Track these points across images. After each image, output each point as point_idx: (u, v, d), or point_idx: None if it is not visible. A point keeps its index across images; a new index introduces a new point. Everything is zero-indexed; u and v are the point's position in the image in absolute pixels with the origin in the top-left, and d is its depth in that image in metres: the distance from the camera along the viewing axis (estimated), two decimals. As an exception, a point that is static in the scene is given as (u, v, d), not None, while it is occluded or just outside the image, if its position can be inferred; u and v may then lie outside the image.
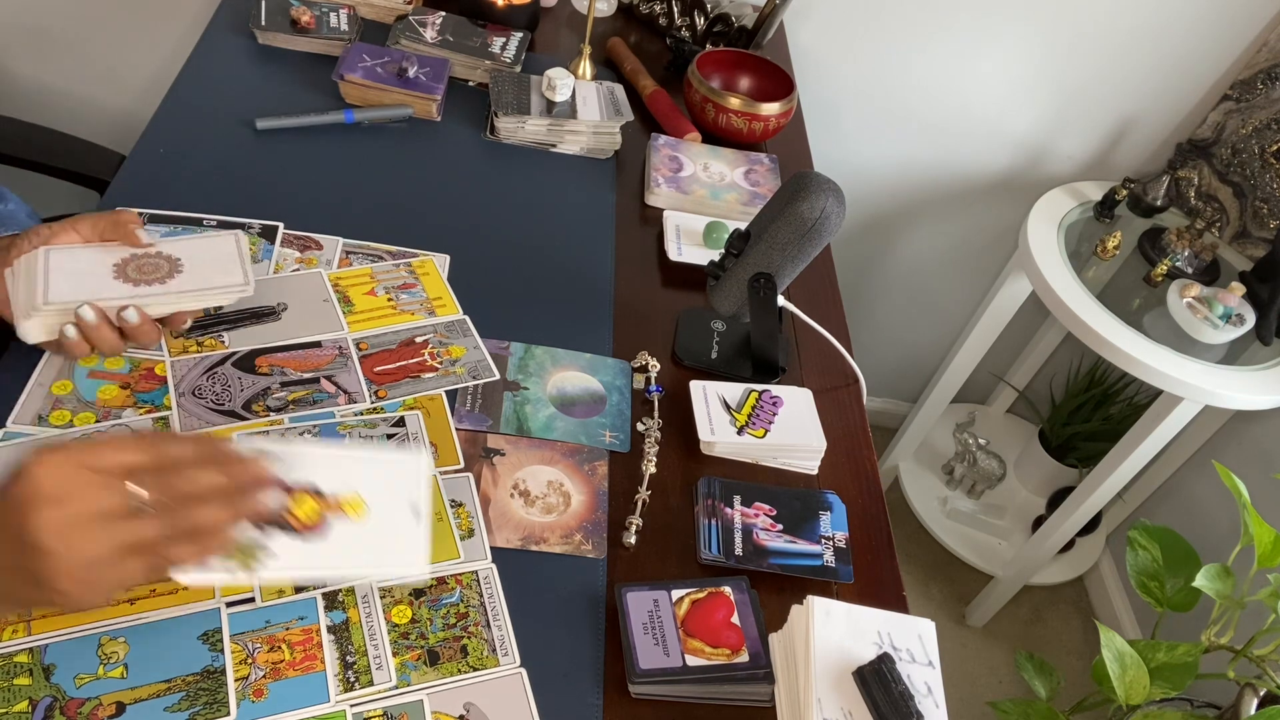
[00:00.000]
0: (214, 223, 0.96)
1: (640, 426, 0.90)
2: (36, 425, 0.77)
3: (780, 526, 0.83)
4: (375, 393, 0.86)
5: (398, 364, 0.89)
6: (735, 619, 0.74)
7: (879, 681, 0.68)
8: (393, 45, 1.25)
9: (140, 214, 0.95)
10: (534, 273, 1.03)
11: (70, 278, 0.76)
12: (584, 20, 1.29)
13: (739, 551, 0.80)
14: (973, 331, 1.78)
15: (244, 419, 0.81)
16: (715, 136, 1.29)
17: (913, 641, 0.72)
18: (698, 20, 1.46)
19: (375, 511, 0.64)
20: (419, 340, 0.92)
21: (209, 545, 0.58)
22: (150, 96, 1.78)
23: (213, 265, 0.83)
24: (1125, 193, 1.62)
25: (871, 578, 0.83)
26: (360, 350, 0.89)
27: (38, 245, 0.78)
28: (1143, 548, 1.37)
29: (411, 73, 1.18)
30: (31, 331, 0.75)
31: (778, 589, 0.80)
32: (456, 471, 0.81)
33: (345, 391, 0.85)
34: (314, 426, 0.82)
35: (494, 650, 0.70)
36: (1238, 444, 1.73)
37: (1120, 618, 1.98)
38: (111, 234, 0.81)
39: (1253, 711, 1.26)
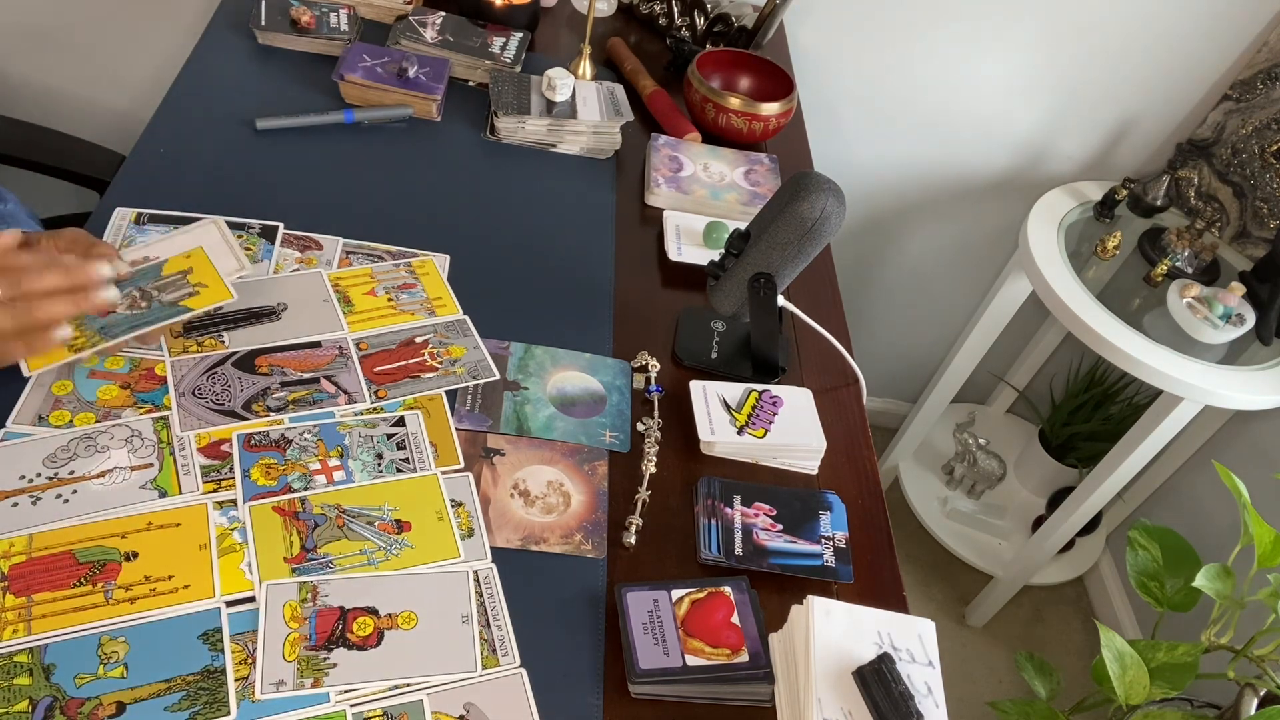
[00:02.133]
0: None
1: (640, 426, 0.90)
2: (36, 425, 0.77)
3: (780, 526, 0.83)
4: (375, 393, 0.86)
5: (398, 364, 0.89)
6: (735, 619, 0.74)
7: (879, 681, 0.68)
8: (393, 45, 1.25)
9: (140, 214, 0.95)
10: (534, 273, 1.03)
11: None
12: (584, 20, 1.29)
13: (739, 551, 0.80)
14: (973, 331, 1.78)
15: (244, 419, 0.81)
16: (715, 136, 1.29)
17: (913, 641, 0.72)
18: (698, 20, 1.46)
19: (426, 621, 0.71)
20: (419, 340, 0.92)
21: (47, 339, 0.72)
22: (150, 96, 1.79)
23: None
24: (1125, 193, 1.62)
25: (871, 578, 0.83)
26: (360, 350, 0.89)
27: None
28: (1143, 548, 1.37)
29: (411, 73, 1.18)
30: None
31: (778, 589, 0.80)
32: (456, 471, 0.81)
33: (345, 391, 0.85)
34: (314, 426, 0.82)
35: (494, 650, 0.70)
36: (1238, 444, 1.73)
37: (1120, 618, 1.98)
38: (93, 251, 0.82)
39: (1253, 711, 1.26)
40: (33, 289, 0.70)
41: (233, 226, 0.96)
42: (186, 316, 0.83)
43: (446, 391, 0.87)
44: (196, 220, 0.95)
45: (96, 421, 0.78)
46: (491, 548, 0.76)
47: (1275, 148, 1.54)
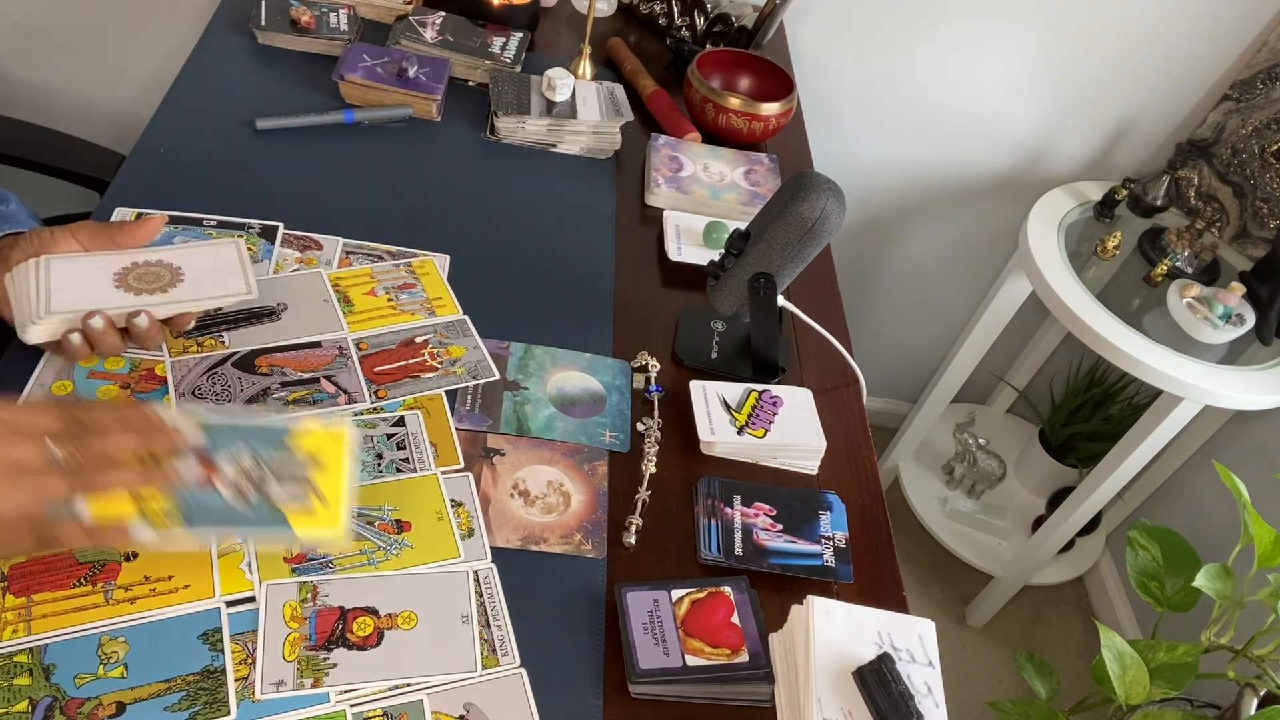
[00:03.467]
0: (214, 223, 0.96)
1: (640, 426, 0.90)
2: (36, 425, 0.77)
3: (780, 526, 0.83)
4: (375, 393, 0.86)
5: (398, 364, 0.89)
6: (735, 619, 0.74)
7: (879, 681, 0.68)
8: (393, 45, 1.25)
9: (140, 214, 0.95)
10: (534, 273, 1.03)
11: (72, 287, 0.77)
12: (584, 20, 1.29)
13: (739, 551, 0.80)
14: (973, 331, 1.78)
15: (244, 419, 0.81)
16: (715, 136, 1.29)
17: (913, 641, 0.72)
18: (698, 20, 1.46)
19: (426, 621, 0.70)
20: (419, 340, 0.92)
21: (118, 533, 0.61)
22: (150, 96, 1.79)
23: (214, 273, 0.83)
24: (1125, 193, 1.62)
25: (871, 578, 0.83)
26: (360, 350, 0.89)
27: (39, 249, 0.78)
28: (1143, 548, 1.37)
29: (411, 73, 1.18)
30: (34, 336, 0.75)
31: (778, 589, 0.80)
32: (456, 471, 0.81)
33: (345, 391, 0.85)
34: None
35: (494, 650, 0.70)
36: (1238, 444, 1.73)
37: (1120, 618, 1.98)
38: (119, 236, 0.81)
39: (1253, 711, 1.26)
40: (102, 454, 0.58)
41: (233, 226, 0.97)
42: (283, 540, 0.70)
43: (446, 391, 0.87)
44: (202, 218, 0.95)
45: (96, 421, 0.78)
46: (491, 548, 0.76)
47: (1275, 148, 1.54)
